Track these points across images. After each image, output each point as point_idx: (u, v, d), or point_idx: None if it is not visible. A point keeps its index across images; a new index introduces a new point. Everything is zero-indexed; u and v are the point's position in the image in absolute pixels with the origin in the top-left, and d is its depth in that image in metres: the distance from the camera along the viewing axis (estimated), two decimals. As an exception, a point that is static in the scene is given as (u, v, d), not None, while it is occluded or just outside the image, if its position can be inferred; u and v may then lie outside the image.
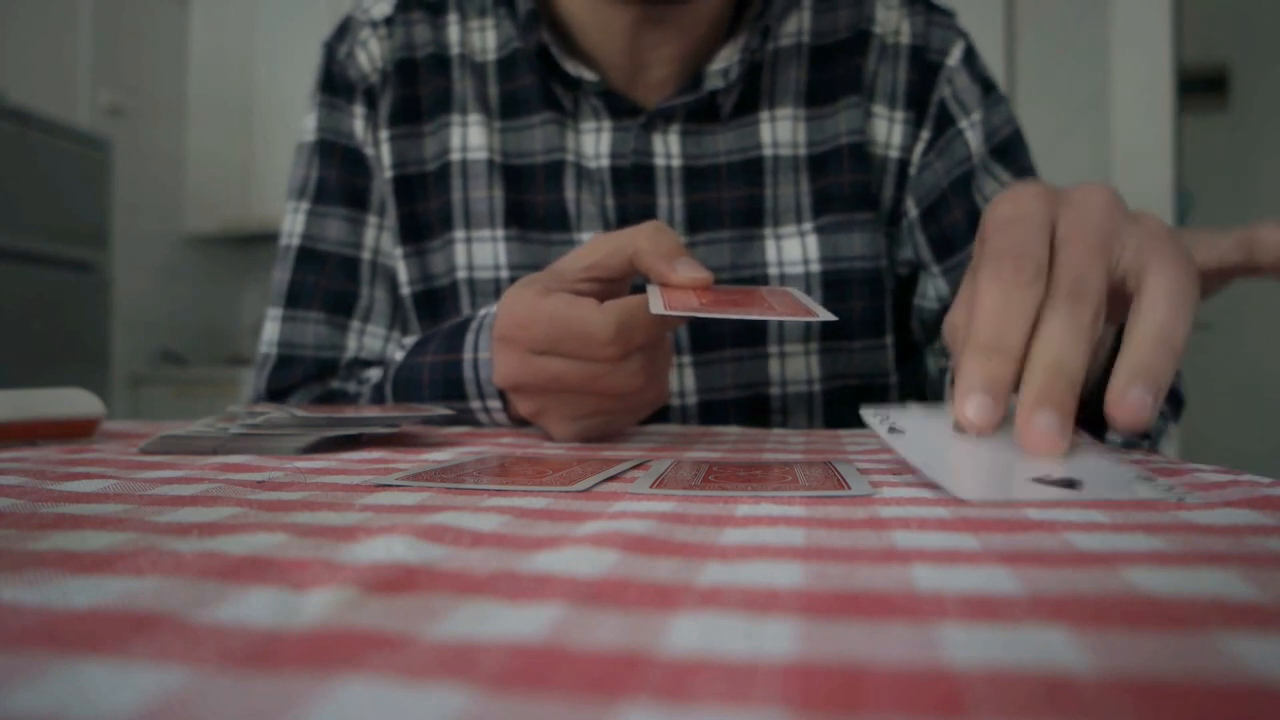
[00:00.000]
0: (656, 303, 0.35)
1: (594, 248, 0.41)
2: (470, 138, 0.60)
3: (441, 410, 0.43)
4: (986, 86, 0.60)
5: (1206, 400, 2.73)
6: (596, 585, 0.14)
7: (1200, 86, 2.83)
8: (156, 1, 2.96)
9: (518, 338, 0.39)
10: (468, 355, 0.48)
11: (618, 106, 0.58)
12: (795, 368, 0.58)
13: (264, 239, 3.05)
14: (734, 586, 0.14)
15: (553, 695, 0.10)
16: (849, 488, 0.24)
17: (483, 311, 0.50)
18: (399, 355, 0.55)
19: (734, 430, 0.49)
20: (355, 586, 0.14)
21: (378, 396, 0.56)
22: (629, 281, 0.42)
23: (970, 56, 0.61)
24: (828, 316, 0.36)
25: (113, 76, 2.75)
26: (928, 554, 0.16)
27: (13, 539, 0.17)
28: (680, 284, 0.38)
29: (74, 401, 0.41)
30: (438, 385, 0.49)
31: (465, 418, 0.49)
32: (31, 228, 2.18)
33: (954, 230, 0.58)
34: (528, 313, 0.39)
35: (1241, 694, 0.09)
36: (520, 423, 0.49)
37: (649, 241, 0.39)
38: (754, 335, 0.58)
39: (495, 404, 0.47)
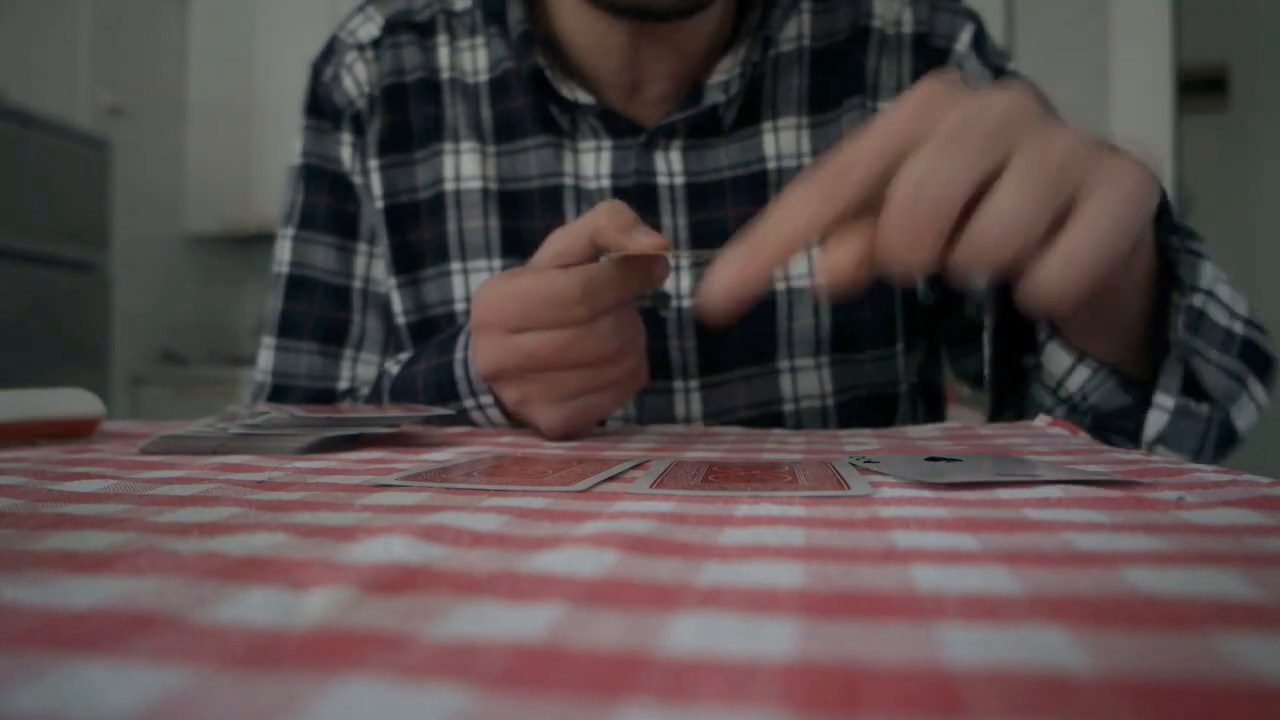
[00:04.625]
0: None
1: (558, 236, 0.41)
2: (464, 166, 0.59)
3: (441, 410, 0.43)
4: (998, 71, 0.58)
5: (1206, 400, 2.72)
6: (596, 585, 0.14)
7: (1200, 86, 2.83)
8: (156, 1, 2.96)
9: (492, 321, 0.40)
10: (458, 354, 0.48)
11: (617, 126, 0.56)
12: (808, 383, 0.57)
13: (264, 239, 3.05)
14: (734, 586, 0.14)
15: (553, 695, 0.10)
16: (849, 488, 0.24)
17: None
18: (394, 368, 0.55)
19: (734, 430, 0.49)
20: (355, 586, 0.14)
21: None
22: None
23: (980, 40, 0.59)
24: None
25: (113, 76, 2.75)
26: (928, 554, 0.16)
27: (13, 539, 0.17)
28: (639, 250, 0.39)
29: (74, 401, 0.41)
30: (431, 389, 0.49)
31: (463, 419, 0.49)
32: (31, 228, 2.18)
33: None
34: (499, 295, 0.40)
35: (1241, 694, 0.09)
36: (515, 420, 0.49)
37: (606, 218, 0.40)
38: (763, 353, 0.57)
39: (487, 399, 0.47)
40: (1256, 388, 0.46)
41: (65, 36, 2.60)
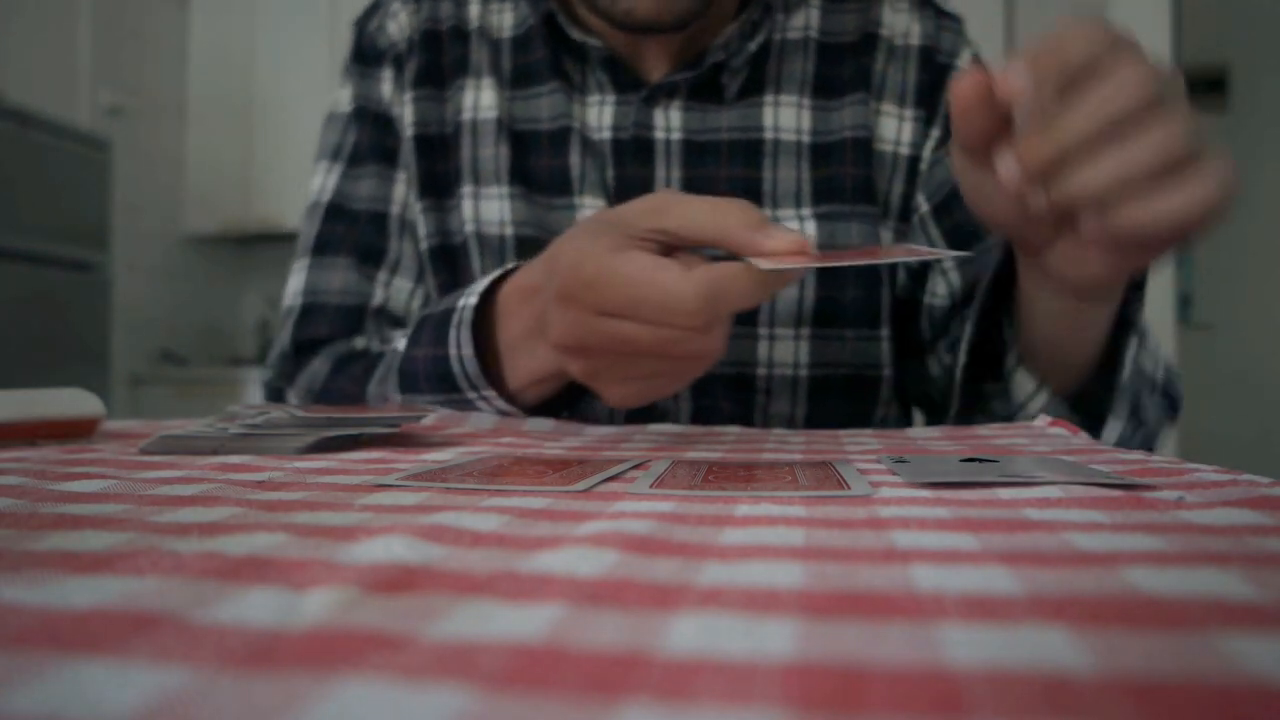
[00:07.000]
0: (764, 260, 0.34)
1: (666, 210, 0.38)
2: (482, 98, 0.63)
3: (441, 410, 0.43)
4: None
5: (1206, 400, 2.73)
6: (596, 585, 0.14)
7: (1200, 86, 2.83)
8: (156, 1, 2.96)
9: (584, 298, 0.37)
10: (453, 351, 0.48)
11: (622, 80, 0.60)
12: (783, 351, 0.58)
13: (264, 239, 3.05)
14: (734, 586, 0.14)
15: (553, 695, 0.10)
16: (849, 488, 0.24)
17: (461, 303, 0.49)
18: (401, 344, 0.55)
19: (734, 430, 0.49)
20: (355, 586, 0.14)
21: (382, 388, 0.55)
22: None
23: (978, 63, 0.63)
24: (946, 254, 0.36)
25: (113, 76, 2.75)
26: (928, 554, 0.16)
27: (13, 539, 0.17)
28: (776, 252, 0.35)
29: (74, 401, 0.41)
30: (433, 379, 0.50)
31: (469, 408, 0.49)
32: (31, 228, 2.18)
33: (968, 225, 0.59)
34: (597, 271, 0.36)
35: (1241, 694, 0.09)
36: (530, 410, 0.49)
37: (736, 218, 0.36)
38: (745, 314, 0.57)
39: (490, 392, 0.48)
40: (1167, 427, 0.54)
41: (65, 36, 2.60)
